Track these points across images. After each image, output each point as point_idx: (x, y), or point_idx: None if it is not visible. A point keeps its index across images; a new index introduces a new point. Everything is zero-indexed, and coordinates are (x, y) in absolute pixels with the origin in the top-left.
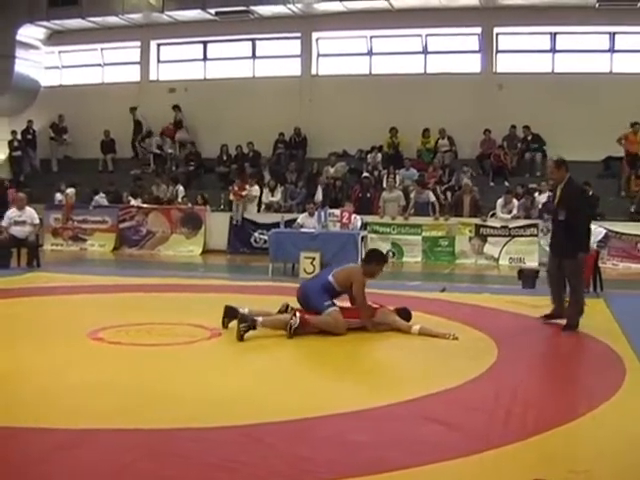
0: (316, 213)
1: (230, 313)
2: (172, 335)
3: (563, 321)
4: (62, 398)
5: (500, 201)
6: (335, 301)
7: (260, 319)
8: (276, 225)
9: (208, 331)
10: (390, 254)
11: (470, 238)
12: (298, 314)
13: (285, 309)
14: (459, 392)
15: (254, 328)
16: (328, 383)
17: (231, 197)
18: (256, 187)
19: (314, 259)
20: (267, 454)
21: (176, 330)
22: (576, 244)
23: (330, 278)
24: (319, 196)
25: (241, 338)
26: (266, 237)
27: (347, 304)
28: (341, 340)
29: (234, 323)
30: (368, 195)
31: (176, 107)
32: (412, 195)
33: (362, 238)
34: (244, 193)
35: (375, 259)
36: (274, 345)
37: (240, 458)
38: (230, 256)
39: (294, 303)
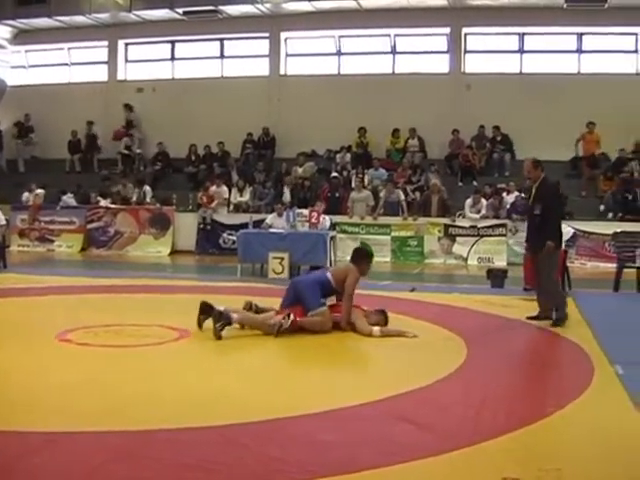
0: (285, 213)
1: (205, 310)
2: (141, 336)
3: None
4: (32, 401)
5: (469, 201)
6: (325, 300)
7: (235, 315)
8: (245, 226)
9: (177, 332)
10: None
11: (439, 238)
12: (292, 315)
13: (249, 307)
14: (429, 391)
15: (229, 324)
16: (301, 383)
17: (200, 201)
18: (224, 188)
19: (283, 259)
20: (242, 454)
21: (145, 331)
22: (549, 237)
23: (328, 275)
24: (287, 196)
25: (219, 337)
26: (234, 238)
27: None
28: (316, 340)
29: (210, 323)
30: (337, 195)
31: (127, 106)
32: (381, 195)
33: (331, 238)
34: (213, 205)
35: (364, 257)
36: (249, 344)
37: (215, 459)
38: (198, 257)
39: (263, 303)
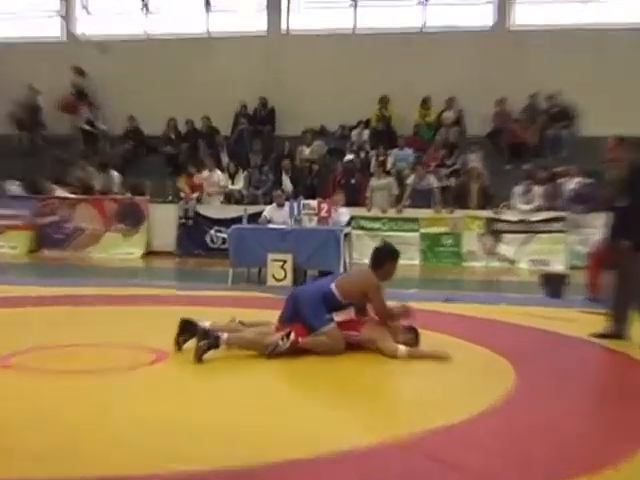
0: (287, 205)
1: (187, 328)
2: (106, 359)
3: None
4: None
5: (518, 189)
6: (334, 315)
7: (225, 335)
8: (237, 220)
9: (151, 354)
10: None
11: (480, 235)
12: (293, 334)
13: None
14: (467, 427)
15: (216, 346)
16: (306, 415)
17: (182, 193)
18: (219, 173)
19: (285, 262)
20: None
21: (111, 353)
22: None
23: (332, 287)
24: (287, 185)
25: (199, 359)
26: (225, 235)
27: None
28: (326, 361)
29: (192, 343)
30: (352, 182)
31: (77, 70)
32: (408, 181)
33: (345, 236)
34: (194, 195)
35: (387, 257)
36: (241, 368)
37: None
38: (180, 259)
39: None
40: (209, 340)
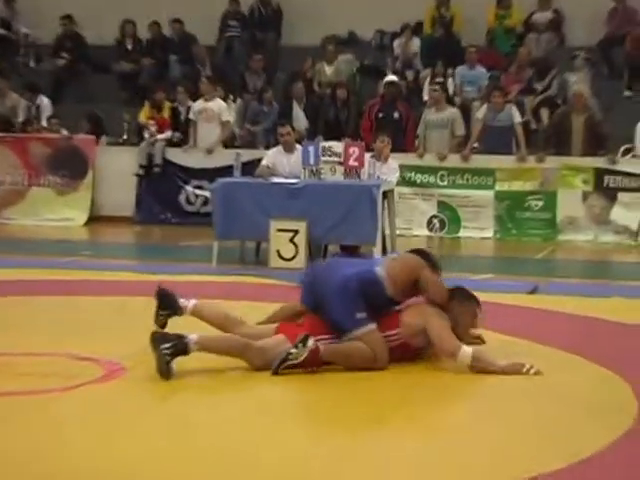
0: (299, 149)
1: (167, 301)
2: (40, 375)
3: None
4: None
5: None
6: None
7: (194, 337)
8: (225, 171)
9: (101, 366)
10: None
11: (586, 195)
12: (311, 341)
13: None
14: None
15: (185, 352)
16: (330, 461)
17: (145, 130)
18: (220, 102)
19: (296, 234)
20: None
21: (47, 365)
22: None
23: (378, 272)
24: (301, 119)
25: (166, 372)
26: (207, 194)
27: None
28: (358, 379)
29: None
30: (395, 116)
31: None
32: (478, 115)
33: (385, 195)
34: (163, 135)
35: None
36: (227, 389)
37: None
38: (141, 229)
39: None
40: (173, 343)
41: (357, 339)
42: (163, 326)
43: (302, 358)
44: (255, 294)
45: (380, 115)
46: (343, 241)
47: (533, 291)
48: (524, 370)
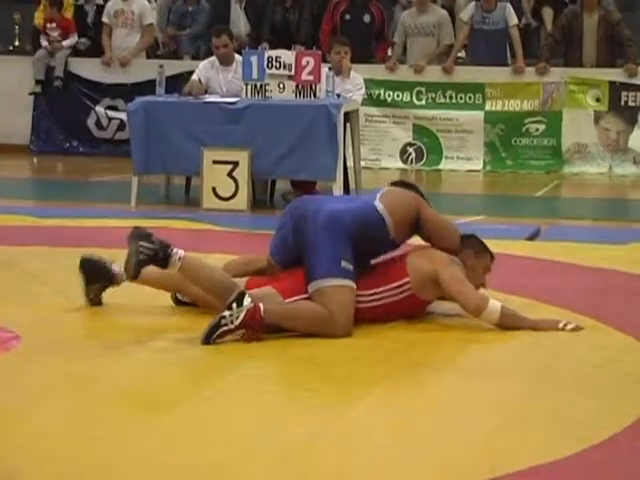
0: (238, 60)
1: (95, 273)
2: None
3: None
4: None
5: None
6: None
7: (181, 252)
8: (146, 88)
9: None
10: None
11: (598, 115)
12: (248, 299)
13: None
14: (579, 461)
15: (164, 263)
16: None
17: (42, 36)
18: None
19: (235, 166)
20: None
21: None
22: None
23: (378, 205)
24: (241, 22)
25: (135, 273)
26: (123, 116)
27: None
28: (336, 346)
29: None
30: (366, 19)
31: None
32: (463, 17)
33: (347, 117)
34: (67, 42)
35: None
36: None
37: None
38: (39, 160)
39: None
40: (154, 246)
41: (319, 294)
42: (99, 302)
43: (238, 322)
44: (186, 243)
45: (347, 17)
46: (295, 176)
47: (533, 236)
48: (560, 326)
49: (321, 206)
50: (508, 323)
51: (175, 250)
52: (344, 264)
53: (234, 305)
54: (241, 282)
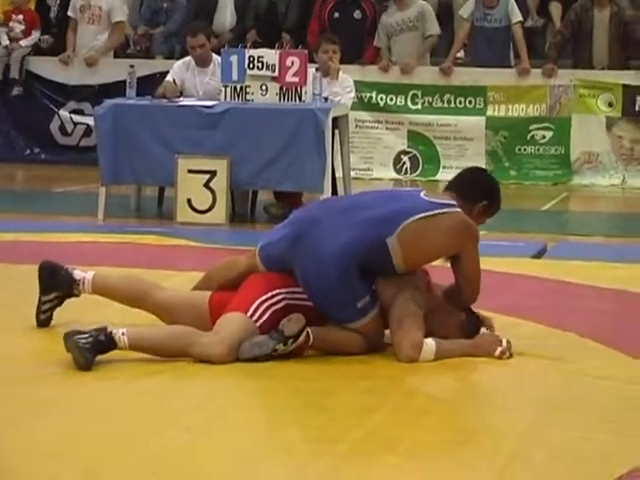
0: (216, 60)
1: (54, 281)
2: None
3: None
4: None
5: None
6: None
7: (123, 331)
8: (115, 90)
9: None
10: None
11: (610, 122)
12: (303, 334)
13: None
14: None
15: (112, 347)
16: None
17: (2, 35)
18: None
19: (214, 175)
20: None
21: None
22: None
23: (390, 240)
24: (228, 17)
25: (85, 362)
26: (90, 121)
27: None
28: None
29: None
30: (357, 16)
31: None
32: (462, 13)
33: (335, 122)
34: (29, 40)
35: (489, 192)
36: (179, 384)
37: None
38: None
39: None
40: (97, 336)
41: (353, 328)
42: (48, 320)
43: (287, 352)
44: (159, 260)
45: (336, 15)
46: (278, 187)
47: (539, 254)
48: (497, 353)
49: (326, 237)
50: (445, 357)
51: (114, 329)
52: (360, 304)
53: (290, 341)
54: (205, 295)
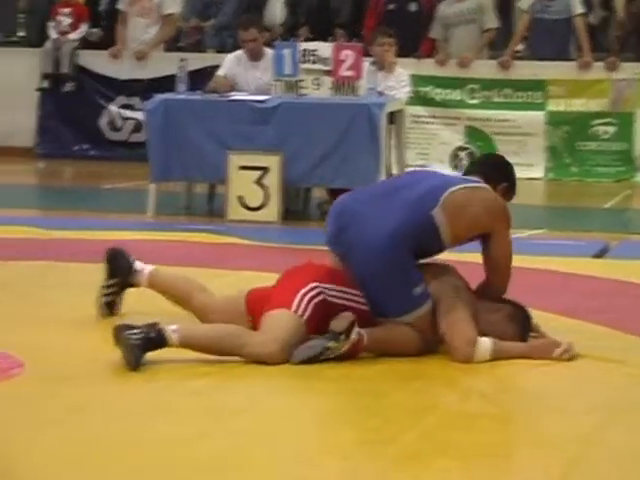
0: (268, 53)
1: (119, 267)
2: None
3: None
4: None
5: None
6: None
7: (174, 327)
8: (165, 84)
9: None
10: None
11: None
12: (355, 331)
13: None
14: None
15: (162, 345)
16: None
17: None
18: None
19: (266, 172)
20: None
21: None
22: None
23: (436, 213)
24: (277, 12)
25: (135, 361)
26: (140, 116)
27: None
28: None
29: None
30: (412, 8)
31: None
32: (522, 5)
33: (391, 118)
34: (76, 34)
35: (504, 172)
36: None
37: None
38: (46, 165)
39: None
40: (148, 332)
41: (407, 320)
42: (111, 304)
43: (340, 353)
44: (209, 258)
45: (390, 7)
46: (332, 183)
47: (601, 253)
48: (556, 353)
49: (371, 226)
50: (501, 357)
51: (165, 326)
52: (417, 290)
53: (342, 337)
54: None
